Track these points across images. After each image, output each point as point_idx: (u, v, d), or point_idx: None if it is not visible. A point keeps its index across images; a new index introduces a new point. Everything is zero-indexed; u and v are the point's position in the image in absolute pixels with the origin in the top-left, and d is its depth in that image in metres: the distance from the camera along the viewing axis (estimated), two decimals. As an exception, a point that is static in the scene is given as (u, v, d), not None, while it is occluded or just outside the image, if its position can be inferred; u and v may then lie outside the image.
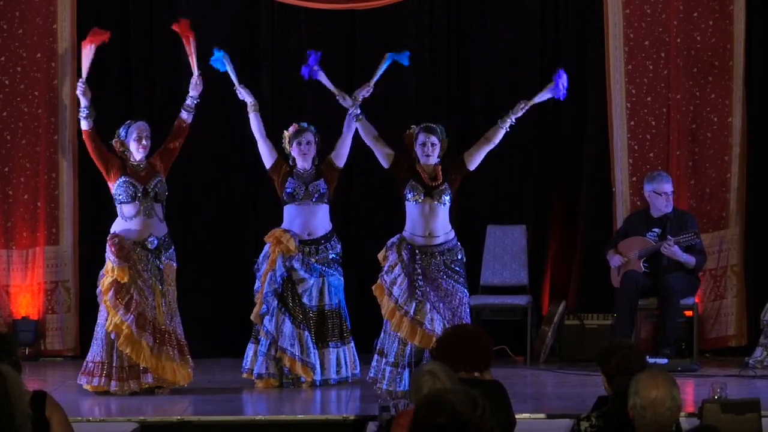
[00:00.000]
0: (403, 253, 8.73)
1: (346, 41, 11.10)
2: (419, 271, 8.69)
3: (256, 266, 9.39)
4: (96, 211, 10.78)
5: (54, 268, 10.74)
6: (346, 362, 9.31)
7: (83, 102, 9.18)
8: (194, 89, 9.31)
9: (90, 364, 8.93)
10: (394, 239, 8.85)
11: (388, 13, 11.02)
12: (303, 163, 9.35)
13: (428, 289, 8.66)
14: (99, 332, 8.97)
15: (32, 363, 10.37)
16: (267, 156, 9.43)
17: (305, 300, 9.22)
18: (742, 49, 10.65)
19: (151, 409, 8.36)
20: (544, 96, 9.15)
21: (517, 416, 6.15)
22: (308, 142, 9.36)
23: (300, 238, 9.24)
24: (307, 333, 9.16)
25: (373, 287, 8.83)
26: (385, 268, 8.77)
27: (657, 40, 10.73)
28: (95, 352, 8.94)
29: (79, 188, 10.74)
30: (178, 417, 8.00)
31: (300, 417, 8.16)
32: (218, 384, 9.47)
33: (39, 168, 10.75)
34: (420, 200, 8.79)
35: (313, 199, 9.28)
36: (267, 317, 9.18)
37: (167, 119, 10.74)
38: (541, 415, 7.88)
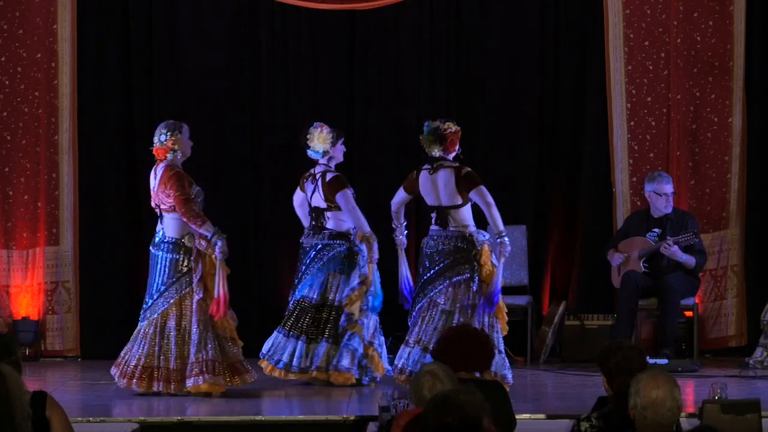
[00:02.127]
0: None
1: (346, 41, 11.10)
2: None
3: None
4: (96, 211, 10.79)
5: (54, 268, 10.74)
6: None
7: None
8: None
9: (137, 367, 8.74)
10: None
11: (388, 13, 11.01)
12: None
13: None
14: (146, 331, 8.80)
15: (32, 363, 10.37)
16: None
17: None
18: (742, 50, 10.65)
19: (151, 409, 8.35)
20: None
21: (517, 416, 6.16)
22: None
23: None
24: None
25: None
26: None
27: (657, 41, 10.73)
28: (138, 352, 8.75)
29: (79, 188, 10.73)
30: (178, 417, 8.00)
31: (300, 417, 8.15)
32: (218, 384, 9.47)
33: (39, 168, 10.75)
34: None
35: None
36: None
37: (167, 119, 10.76)
38: (541, 416, 7.88)
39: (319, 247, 9.27)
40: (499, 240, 8.85)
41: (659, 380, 4.78)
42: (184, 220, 8.64)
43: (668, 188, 10.14)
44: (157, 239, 8.84)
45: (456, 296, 8.82)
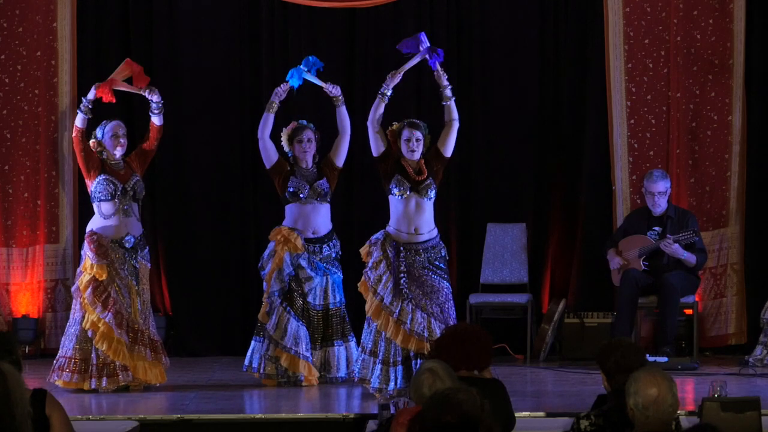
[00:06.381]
0: (387, 250, 8.71)
1: (346, 41, 11.10)
2: (403, 268, 8.66)
3: (260, 264, 9.36)
4: (96, 209, 10.79)
5: (54, 266, 10.74)
6: (347, 360, 9.30)
7: (90, 96, 9.11)
8: (152, 95, 9.18)
9: (61, 360, 8.96)
10: (378, 235, 8.82)
11: (388, 13, 11.01)
12: (304, 161, 9.35)
13: (414, 287, 8.65)
14: (72, 329, 8.98)
15: (32, 361, 10.37)
16: (270, 156, 9.35)
17: (310, 299, 9.22)
18: (742, 48, 10.65)
19: (151, 408, 8.36)
20: (413, 61, 8.96)
21: (517, 414, 6.16)
22: (309, 140, 9.35)
23: (304, 236, 9.25)
24: (305, 330, 9.15)
25: (359, 284, 8.82)
26: (370, 264, 8.76)
27: (657, 39, 10.73)
28: (67, 347, 8.95)
29: (79, 186, 10.72)
30: (178, 415, 8.00)
31: (300, 415, 8.16)
32: (218, 382, 9.48)
33: (39, 166, 10.75)
34: (406, 195, 8.76)
35: (317, 199, 9.29)
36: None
37: (166, 118, 10.75)
38: (541, 414, 7.87)
39: None
40: None
41: (657, 378, 4.78)
42: None
43: (656, 187, 10.08)
44: None
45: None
